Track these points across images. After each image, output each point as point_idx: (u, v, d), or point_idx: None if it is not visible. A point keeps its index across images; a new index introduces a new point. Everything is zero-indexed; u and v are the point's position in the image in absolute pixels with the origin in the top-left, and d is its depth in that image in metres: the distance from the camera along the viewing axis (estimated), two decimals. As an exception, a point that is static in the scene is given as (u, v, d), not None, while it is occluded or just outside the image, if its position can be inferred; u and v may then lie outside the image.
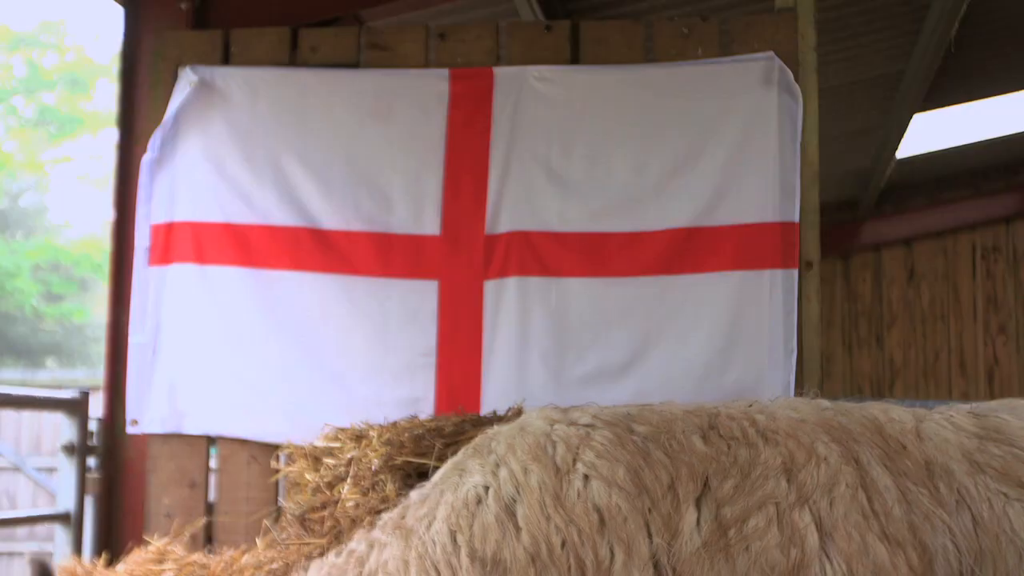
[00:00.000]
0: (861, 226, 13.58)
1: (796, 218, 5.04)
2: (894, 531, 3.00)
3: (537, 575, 2.89)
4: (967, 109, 11.25)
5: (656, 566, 2.90)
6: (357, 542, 3.19)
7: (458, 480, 3.07)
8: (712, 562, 2.91)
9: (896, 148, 11.40)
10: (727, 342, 5.02)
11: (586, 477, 3.02)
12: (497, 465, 3.08)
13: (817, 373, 4.98)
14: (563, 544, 2.91)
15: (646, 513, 2.97)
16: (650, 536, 2.95)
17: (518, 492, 3.00)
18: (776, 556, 2.91)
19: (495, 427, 3.27)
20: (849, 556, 2.93)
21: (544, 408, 3.29)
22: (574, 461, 3.05)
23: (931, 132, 11.62)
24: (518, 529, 2.93)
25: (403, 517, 3.08)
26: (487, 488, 3.02)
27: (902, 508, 3.04)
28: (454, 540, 2.92)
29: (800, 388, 4.92)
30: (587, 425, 3.18)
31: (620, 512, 2.96)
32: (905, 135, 11.04)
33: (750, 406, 3.35)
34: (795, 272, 5.01)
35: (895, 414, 3.35)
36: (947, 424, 3.31)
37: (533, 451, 3.09)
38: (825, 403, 3.39)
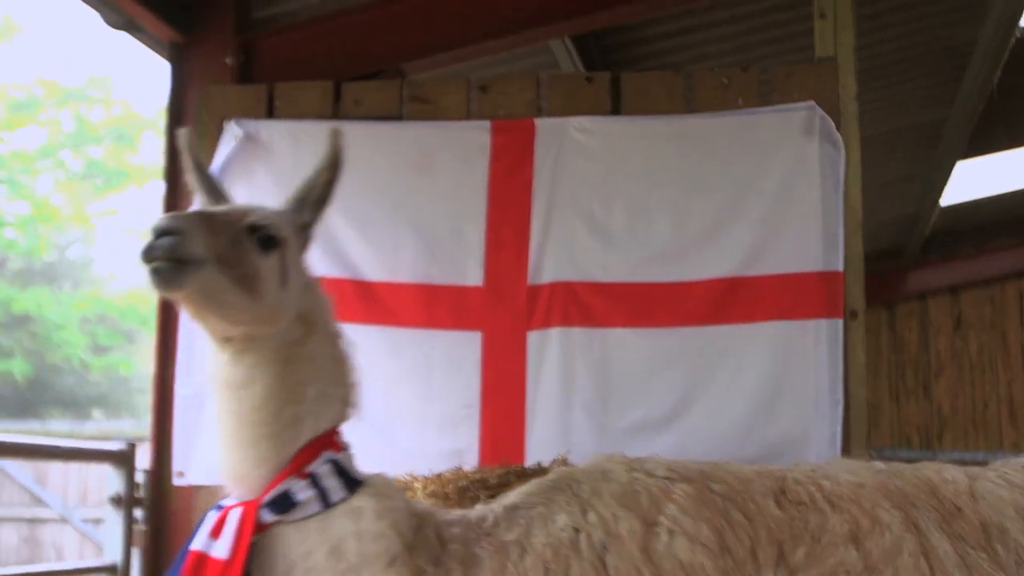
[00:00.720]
0: (906, 275, 13.52)
1: (840, 267, 5.02)
2: None
3: None
4: (1012, 155, 11.19)
5: None
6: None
7: (544, 513, 3.02)
8: None
9: (940, 195, 11.36)
10: (772, 393, 4.99)
11: (671, 531, 2.99)
12: (585, 509, 3.03)
13: (864, 424, 4.94)
14: None
15: (727, 573, 2.96)
16: None
17: (607, 538, 2.97)
18: None
19: (568, 467, 3.23)
20: None
21: (613, 456, 3.25)
22: (658, 513, 3.03)
23: (976, 179, 11.57)
24: None
25: (490, 535, 3.02)
26: (577, 531, 2.97)
27: (962, 574, 3.03)
28: None
29: (847, 440, 4.88)
30: (665, 477, 3.15)
31: (704, 570, 2.94)
32: (949, 182, 11.00)
33: (813, 471, 3.33)
34: (840, 322, 4.98)
35: (948, 474, 3.33)
36: (1001, 482, 3.29)
37: (621, 499, 3.05)
38: (880, 465, 3.37)
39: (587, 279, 5.17)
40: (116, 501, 5.56)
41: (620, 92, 5.31)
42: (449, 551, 2.97)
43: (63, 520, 14.38)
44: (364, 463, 4.87)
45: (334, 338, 3.11)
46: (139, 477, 5.64)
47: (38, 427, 19.76)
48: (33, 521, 14.45)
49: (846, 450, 4.80)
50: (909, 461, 3.50)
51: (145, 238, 2.62)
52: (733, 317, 5.07)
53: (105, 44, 27.57)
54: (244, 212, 2.92)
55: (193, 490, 5.46)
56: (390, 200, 5.42)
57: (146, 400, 5.77)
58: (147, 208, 24.26)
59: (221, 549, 2.78)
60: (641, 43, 7.28)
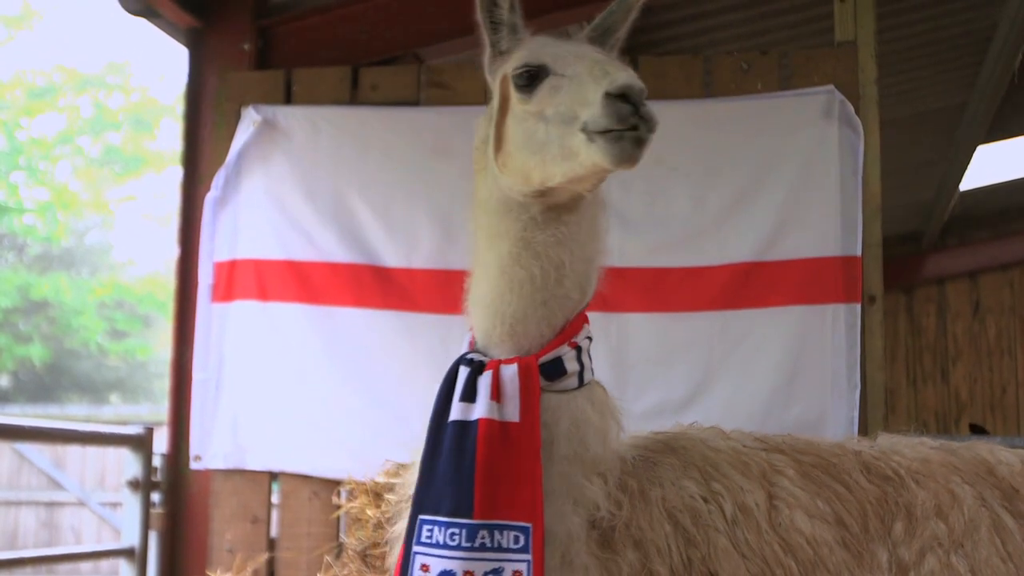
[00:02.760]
0: (924, 259, 13.48)
1: (858, 252, 5.01)
2: None
3: None
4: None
5: None
6: None
7: (653, 476, 2.97)
8: None
9: (959, 180, 11.32)
10: (789, 377, 4.99)
11: (789, 504, 3.00)
12: (705, 475, 3.01)
13: (881, 408, 4.94)
14: (785, 573, 2.90)
15: (847, 546, 2.98)
16: (851, 570, 2.96)
17: (741, 512, 2.95)
18: None
19: (656, 432, 3.21)
20: None
21: (690, 427, 3.25)
22: (771, 485, 3.03)
23: (995, 164, 11.52)
24: (744, 555, 2.89)
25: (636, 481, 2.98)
26: (707, 500, 2.95)
27: None
28: (688, 559, 2.87)
29: (864, 424, 4.88)
30: (760, 448, 3.16)
31: (827, 544, 2.96)
32: (969, 167, 10.96)
33: (872, 446, 3.34)
34: (858, 306, 4.98)
35: (1002, 456, 3.36)
36: None
37: (741, 469, 3.05)
38: (929, 441, 3.38)
39: (604, 263, 5.18)
40: (134, 485, 5.58)
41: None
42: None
43: (81, 504, 14.45)
44: (381, 447, 4.91)
45: (601, 195, 2.96)
46: (156, 461, 5.66)
47: (56, 411, 19.82)
48: (51, 504, 14.52)
49: (862, 434, 4.80)
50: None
51: (624, 105, 2.52)
52: (750, 302, 5.07)
53: (123, 30, 27.56)
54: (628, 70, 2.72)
55: (210, 474, 5.50)
56: (407, 185, 5.43)
57: (163, 385, 5.79)
58: (165, 193, 24.32)
59: (510, 411, 2.73)
60: (660, 27, 7.27)
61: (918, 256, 13.48)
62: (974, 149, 10.47)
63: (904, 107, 9.53)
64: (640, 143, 2.52)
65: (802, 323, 5.02)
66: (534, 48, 2.82)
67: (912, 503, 3.11)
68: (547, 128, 2.66)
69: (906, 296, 13.56)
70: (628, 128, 2.50)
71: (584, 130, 2.55)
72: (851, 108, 5.08)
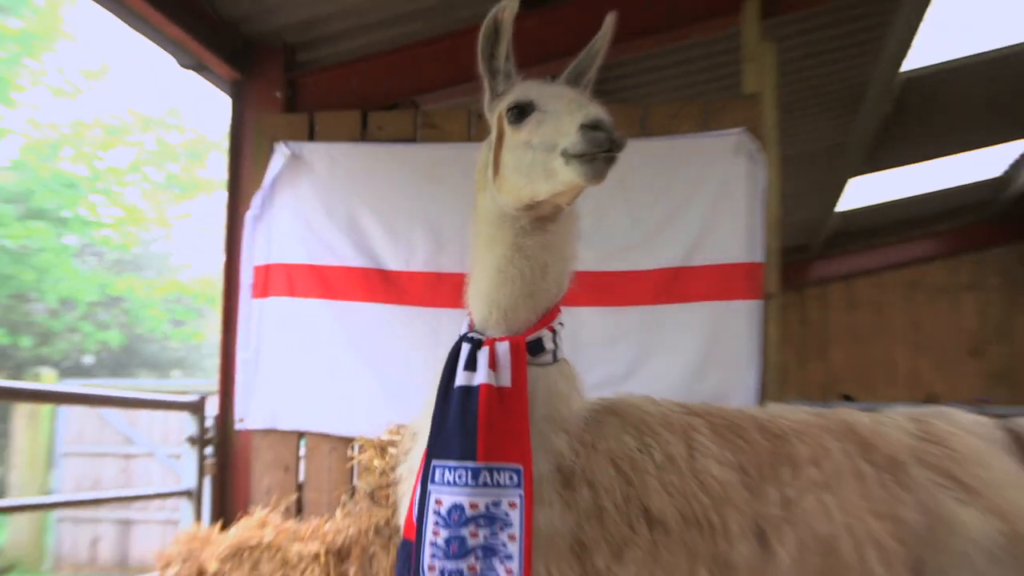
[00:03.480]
0: (811, 265, 13.57)
1: (761, 259, 5.03)
2: (879, 509, 3.09)
3: (687, 531, 2.89)
4: (894, 173, 11.23)
5: (753, 527, 2.96)
6: None
7: (601, 432, 2.98)
8: (783, 529, 2.98)
9: (838, 204, 11.40)
10: (706, 357, 5.00)
11: (704, 454, 3.02)
12: (640, 432, 3.01)
13: (776, 382, 4.96)
14: (700, 506, 2.92)
15: (747, 486, 3.01)
16: (750, 504, 2.99)
17: (667, 460, 2.97)
18: (822, 528, 3.00)
19: (606, 398, 3.20)
20: (856, 529, 3.03)
21: (629, 395, 3.24)
22: (690, 440, 3.05)
23: (865, 192, 11.60)
24: (669, 493, 2.91)
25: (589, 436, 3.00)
26: (641, 451, 2.96)
27: (882, 492, 3.13)
28: (627, 496, 2.88)
29: (763, 394, 4.90)
30: (682, 412, 3.18)
31: (732, 484, 2.98)
32: (844, 194, 11.05)
33: (764, 412, 3.37)
34: (760, 302, 4.99)
35: (858, 418, 3.40)
36: (895, 427, 3.36)
37: (667, 426, 3.07)
38: (805, 409, 3.41)
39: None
40: (191, 441, 5.60)
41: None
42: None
43: (150, 455, 14.39)
44: (385, 411, 4.90)
45: (575, 210, 2.96)
46: (208, 422, 5.67)
47: (130, 383, 19.78)
48: (127, 456, 14.46)
49: (762, 404, 4.81)
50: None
51: (597, 129, 2.52)
52: (676, 298, 5.08)
53: (179, 81, 27.49)
54: (598, 106, 2.74)
55: (250, 433, 5.50)
56: (406, 205, 5.41)
57: (214, 362, 5.77)
58: (213, 212, 24.29)
59: (504, 378, 2.75)
60: (609, 80, 7.28)
61: (806, 263, 13.56)
62: (848, 180, 10.54)
63: (796, 146, 9.58)
64: (610, 162, 2.54)
65: (716, 315, 5.03)
66: (523, 90, 2.83)
67: (795, 455, 3.13)
68: (534, 154, 2.67)
69: (797, 294, 13.64)
70: (602, 151, 2.52)
71: (563, 154, 2.57)
72: (756, 146, 5.09)
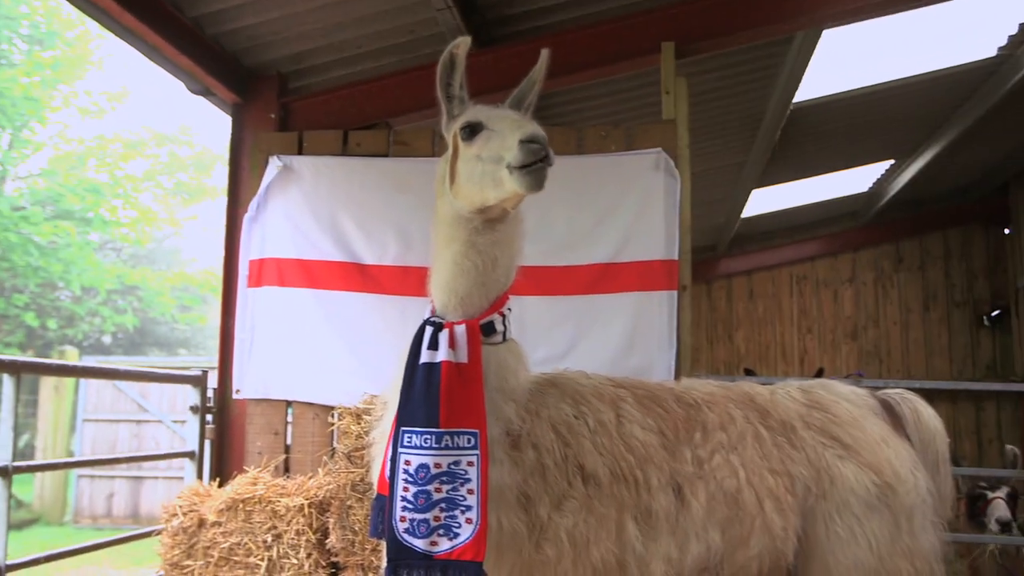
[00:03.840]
0: (718, 262, 13.66)
1: (676, 257, 5.04)
2: (775, 466, 3.14)
3: (615, 486, 2.88)
4: (786, 187, 11.34)
5: (671, 483, 2.97)
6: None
7: (543, 401, 2.97)
8: (696, 484, 3.01)
9: (741, 211, 11.49)
10: (630, 338, 5.00)
11: (629, 420, 3.03)
12: (576, 401, 3.01)
13: (689, 360, 4.98)
14: (626, 464, 2.92)
15: (666, 448, 3.03)
16: (668, 463, 3.00)
17: (599, 425, 2.97)
18: (728, 483, 3.03)
19: (547, 373, 3.19)
20: (756, 484, 3.07)
21: (567, 371, 3.24)
22: (618, 408, 3.05)
23: (762, 202, 11.70)
24: (600, 453, 2.91)
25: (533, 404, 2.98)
26: (576, 417, 2.96)
27: (777, 451, 3.18)
28: (564, 455, 2.87)
29: (678, 371, 4.92)
30: (611, 385, 3.17)
31: (653, 445, 2.99)
32: (746, 203, 11.13)
33: (679, 385, 3.38)
34: (675, 293, 5.01)
35: (757, 389, 3.44)
36: (787, 397, 3.40)
37: (598, 397, 3.07)
38: (713, 381, 3.43)
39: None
40: (194, 409, 5.53)
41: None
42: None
43: (159, 422, 14.23)
44: (361, 384, 4.86)
45: (520, 212, 2.93)
46: (209, 394, 5.60)
47: (144, 360, 19.60)
48: (139, 422, 14.30)
49: (677, 377, 4.84)
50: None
51: (533, 143, 2.53)
52: (606, 289, 5.08)
53: (188, 103, 27.09)
54: (535, 124, 2.74)
55: (246, 402, 5.43)
56: (380, 210, 5.36)
57: (215, 342, 5.69)
58: (217, 214, 24.12)
59: (461, 355, 2.73)
60: (549, 107, 7.27)
61: (714, 260, 13.66)
62: (750, 192, 10.63)
63: (706, 163, 9.64)
64: (545, 172, 2.55)
65: (639, 304, 5.03)
66: (474, 112, 2.82)
67: (705, 421, 3.16)
68: (483, 165, 2.67)
69: (707, 286, 13.73)
70: (538, 161, 2.52)
71: (507, 166, 2.57)
72: (672, 163, 5.10)
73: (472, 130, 2.76)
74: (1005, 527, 5.35)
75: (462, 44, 2.84)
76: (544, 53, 3.01)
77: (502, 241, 2.81)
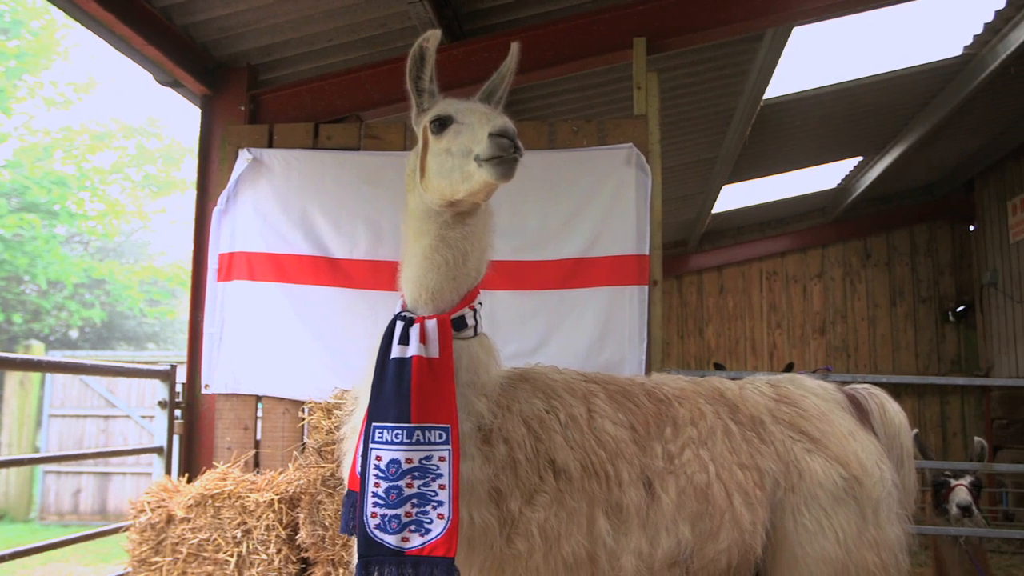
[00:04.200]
0: (689, 258, 13.73)
1: (647, 252, 5.05)
2: (744, 460, 3.16)
3: (587, 480, 2.88)
4: (756, 183, 11.42)
5: (642, 477, 2.98)
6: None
7: (514, 396, 2.96)
8: (666, 479, 3.01)
9: (712, 207, 11.55)
10: (602, 332, 5.01)
11: (601, 416, 3.03)
12: (547, 396, 3.01)
13: (660, 354, 5.00)
14: (597, 459, 2.92)
15: (637, 442, 3.03)
16: (639, 458, 3.01)
17: (570, 420, 2.96)
18: (698, 478, 3.05)
19: (518, 367, 3.19)
20: (726, 478, 3.09)
21: (538, 365, 3.24)
22: (589, 403, 3.05)
23: (733, 197, 11.78)
24: (572, 448, 2.91)
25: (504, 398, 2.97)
26: (548, 412, 2.96)
27: (746, 446, 3.20)
28: (536, 450, 2.86)
29: (649, 365, 4.94)
30: (582, 380, 3.17)
31: (624, 440, 3.00)
32: (717, 199, 11.19)
33: (650, 380, 3.39)
34: (646, 287, 5.02)
35: (727, 384, 3.46)
36: (756, 392, 3.42)
37: (570, 392, 3.06)
38: (684, 376, 3.45)
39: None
40: (162, 404, 5.46)
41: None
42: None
43: (127, 416, 14.07)
44: (331, 379, 4.83)
45: (490, 207, 2.92)
46: (179, 388, 5.54)
47: (111, 355, 19.40)
48: (107, 417, 14.12)
49: (648, 372, 4.86)
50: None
51: (503, 136, 2.52)
52: (578, 283, 5.09)
53: (157, 95, 26.80)
54: (504, 118, 2.73)
55: (215, 396, 5.37)
56: (350, 204, 5.32)
57: (184, 336, 5.63)
58: (186, 207, 23.91)
59: (433, 350, 2.70)
60: (521, 101, 7.27)
61: (685, 256, 13.73)
62: (720, 187, 10.69)
63: (677, 158, 9.69)
64: (515, 164, 2.55)
65: (611, 298, 5.04)
66: (444, 105, 2.81)
67: (676, 416, 3.17)
68: (453, 159, 2.66)
69: (678, 281, 13.81)
70: (508, 155, 2.52)
71: (477, 159, 2.56)
72: (643, 158, 5.11)
73: (442, 124, 2.75)
74: (966, 511, 5.46)
75: (431, 37, 2.82)
76: (514, 47, 3.00)
77: (472, 235, 2.80)
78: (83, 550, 10.41)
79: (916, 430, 5.92)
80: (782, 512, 3.15)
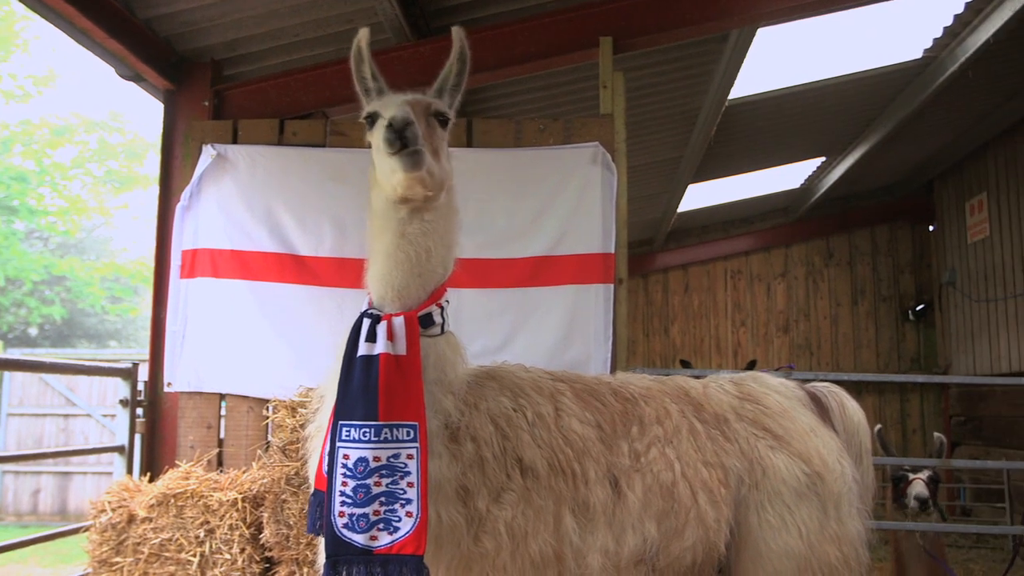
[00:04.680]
0: (655, 256, 13.80)
1: (613, 250, 5.07)
2: (709, 458, 3.18)
3: (553, 478, 2.88)
4: (720, 182, 11.51)
5: (608, 476, 2.99)
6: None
7: (481, 394, 2.95)
8: (632, 477, 3.02)
9: (677, 206, 11.61)
10: (567, 331, 5.02)
11: (568, 414, 3.03)
12: (515, 394, 3.00)
13: (625, 352, 5.02)
14: (564, 457, 2.92)
15: (603, 441, 3.04)
16: (605, 456, 3.01)
17: (537, 418, 2.95)
18: (664, 476, 3.06)
19: (485, 365, 3.18)
20: (691, 476, 3.10)
21: (505, 364, 3.23)
22: (556, 401, 3.05)
23: (698, 196, 11.85)
24: (539, 446, 2.90)
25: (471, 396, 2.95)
26: (515, 410, 2.94)
27: (711, 444, 3.22)
28: (503, 448, 2.85)
29: (615, 363, 4.96)
30: (550, 378, 3.17)
31: (590, 438, 3.00)
32: (682, 198, 11.26)
33: (616, 379, 3.40)
34: (612, 286, 5.04)
35: (691, 383, 3.48)
36: (720, 390, 3.46)
37: (537, 390, 3.06)
38: (649, 376, 3.46)
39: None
40: (124, 403, 5.40)
41: (472, 132, 5.26)
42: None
43: (88, 415, 13.87)
44: (296, 377, 4.79)
45: (454, 203, 2.90)
46: (140, 386, 5.47)
47: (72, 353, 19.13)
48: (67, 416, 13.93)
49: (613, 370, 4.87)
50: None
51: (394, 127, 2.49)
52: (543, 281, 5.09)
53: (120, 89, 26.43)
54: (429, 100, 2.73)
55: (178, 395, 5.32)
56: (316, 201, 5.29)
57: (146, 334, 5.56)
58: (148, 203, 23.63)
59: (400, 348, 2.67)
60: (488, 100, 7.25)
61: (651, 254, 13.80)
62: (685, 186, 10.76)
63: (642, 157, 9.73)
64: (417, 155, 2.55)
65: (576, 296, 5.06)
66: (375, 102, 2.83)
67: (642, 415, 3.19)
68: (380, 155, 2.67)
69: (643, 279, 13.87)
70: (394, 149, 2.53)
71: (388, 154, 2.57)
72: (609, 157, 5.13)
73: (371, 120, 2.78)
74: (923, 505, 5.58)
75: (362, 35, 2.86)
76: (456, 30, 2.98)
77: (433, 232, 2.77)
78: (42, 551, 10.26)
79: (879, 426, 6.03)
80: (746, 508, 3.18)
